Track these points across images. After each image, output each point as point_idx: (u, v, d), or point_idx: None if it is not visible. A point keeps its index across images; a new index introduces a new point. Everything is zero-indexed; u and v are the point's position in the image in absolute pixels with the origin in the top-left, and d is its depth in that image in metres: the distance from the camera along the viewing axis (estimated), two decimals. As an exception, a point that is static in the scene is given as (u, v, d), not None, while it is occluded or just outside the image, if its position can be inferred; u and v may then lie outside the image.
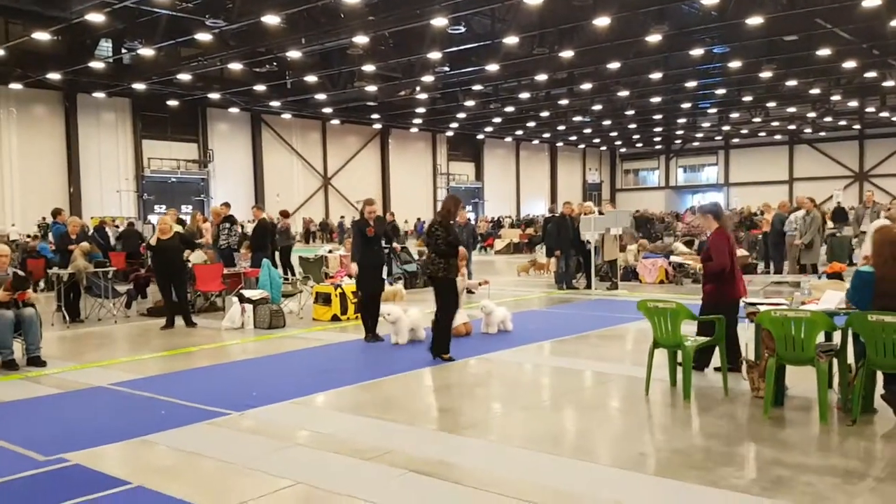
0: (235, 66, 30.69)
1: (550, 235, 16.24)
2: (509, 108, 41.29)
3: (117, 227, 26.15)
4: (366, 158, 49.06)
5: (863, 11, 21.99)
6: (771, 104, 42.46)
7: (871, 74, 33.32)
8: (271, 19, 22.80)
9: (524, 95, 36.97)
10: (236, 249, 15.13)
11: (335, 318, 11.89)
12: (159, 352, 9.56)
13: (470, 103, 38.89)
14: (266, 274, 12.54)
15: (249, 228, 18.36)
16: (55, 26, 24.34)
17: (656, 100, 38.78)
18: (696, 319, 6.91)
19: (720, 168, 61.39)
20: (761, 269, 17.75)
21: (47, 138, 35.07)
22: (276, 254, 16.76)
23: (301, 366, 8.73)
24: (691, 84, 34.43)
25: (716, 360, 7.05)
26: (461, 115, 43.48)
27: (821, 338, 6.06)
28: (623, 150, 66.52)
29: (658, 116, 46.30)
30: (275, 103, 38.04)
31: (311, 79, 32.87)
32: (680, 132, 55.61)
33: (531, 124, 48.26)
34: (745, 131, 54.26)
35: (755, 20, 22.68)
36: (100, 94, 35.05)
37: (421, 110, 41.34)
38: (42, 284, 16.20)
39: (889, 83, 34.88)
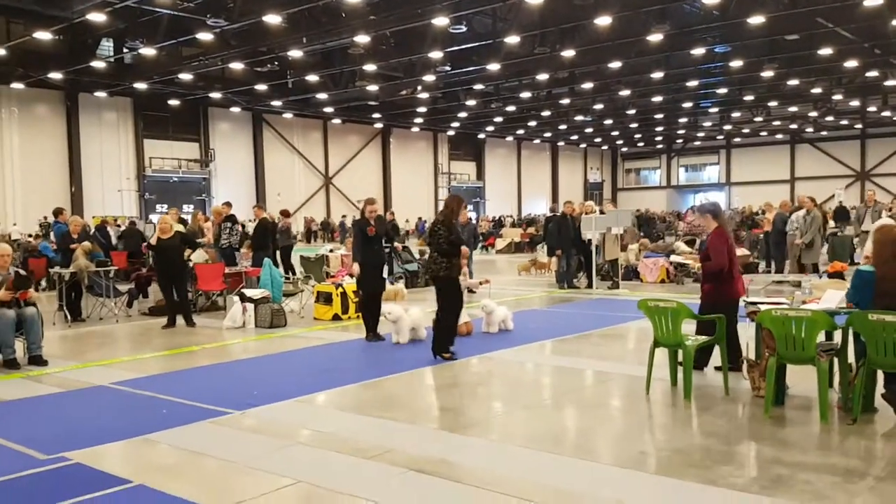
0: (237, 66, 30.70)
1: (551, 235, 16.24)
2: (510, 108, 41.29)
3: (119, 226, 26.17)
4: (367, 158, 49.08)
5: (864, 11, 21.99)
6: (772, 103, 42.42)
7: (873, 74, 33.30)
8: (272, 19, 22.81)
9: (525, 95, 36.97)
10: (237, 249, 15.14)
11: (336, 318, 11.90)
12: (160, 351, 9.57)
13: (471, 102, 38.90)
14: (267, 273, 12.56)
15: (250, 228, 18.36)
16: (56, 26, 24.36)
17: (658, 99, 38.79)
18: (697, 319, 6.91)
19: (722, 167, 61.37)
20: (763, 268, 17.75)
21: (49, 138, 35.10)
22: (277, 253, 16.77)
23: (302, 365, 8.74)
24: (693, 83, 34.42)
25: (716, 359, 7.05)
26: (462, 115, 43.49)
27: (821, 337, 6.07)
28: (624, 149, 66.50)
29: (659, 116, 46.30)
30: (276, 103, 38.07)
31: (312, 78, 32.88)
32: (681, 131, 55.58)
33: (532, 124, 48.26)
34: (746, 131, 54.24)
35: (757, 19, 22.67)
36: (101, 94, 35.08)
37: (422, 110, 41.35)
38: (44, 284, 16.24)
39: (891, 82, 34.84)
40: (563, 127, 50.53)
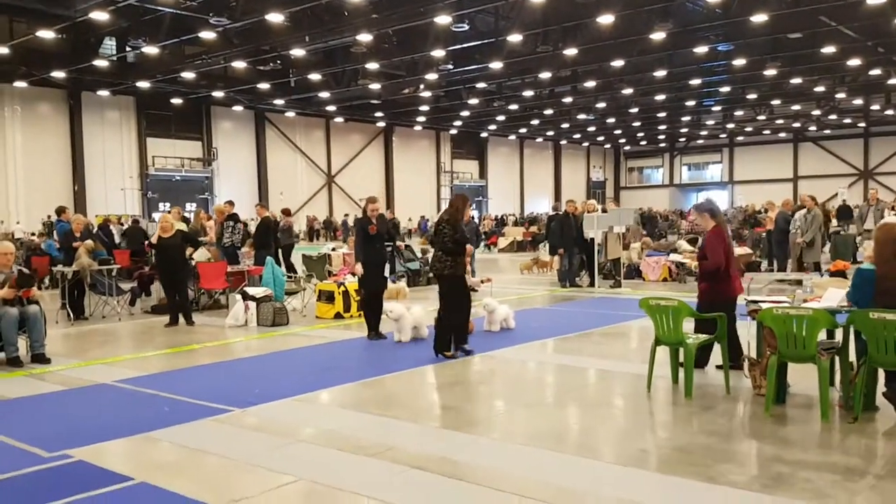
0: (239, 65, 30.72)
1: (554, 233, 16.25)
2: (513, 106, 41.25)
3: (122, 224, 26.24)
4: (369, 156, 49.09)
5: (867, 9, 21.94)
6: (775, 102, 42.35)
7: (876, 72, 33.24)
8: (275, 17, 22.81)
9: (528, 93, 36.95)
10: (240, 247, 15.16)
11: (338, 316, 11.92)
12: (163, 349, 9.60)
13: (473, 101, 38.88)
14: (269, 272, 12.58)
15: (253, 226, 18.38)
16: (59, 24, 24.41)
17: (660, 98, 38.75)
18: (697, 317, 6.91)
19: (724, 166, 61.27)
20: (765, 267, 17.74)
21: (52, 136, 35.13)
22: (279, 252, 16.79)
23: (304, 363, 8.75)
24: (696, 82, 34.38)
25: (717, 357, 7.05)
26: (465, 113, 43.46)
27: (822, 335, 6.07)
28: (627, 147, 66.41)
29: (662, 114, 46.21)
30: (278, 101, 38.09)
31: (314, 77, 32.88)
32: (684, 130, 55.51)
33: (535, 122, 48.21)
34: (749, 129, 54.12)
35: (759, 18, 22.61)
36: (104, 93, 35.11)
37: (425, 108, 41.33)
38: (46, 282, 16.27)
39: (894, 80, 34.77)
40: (565, 125, 50.47)
